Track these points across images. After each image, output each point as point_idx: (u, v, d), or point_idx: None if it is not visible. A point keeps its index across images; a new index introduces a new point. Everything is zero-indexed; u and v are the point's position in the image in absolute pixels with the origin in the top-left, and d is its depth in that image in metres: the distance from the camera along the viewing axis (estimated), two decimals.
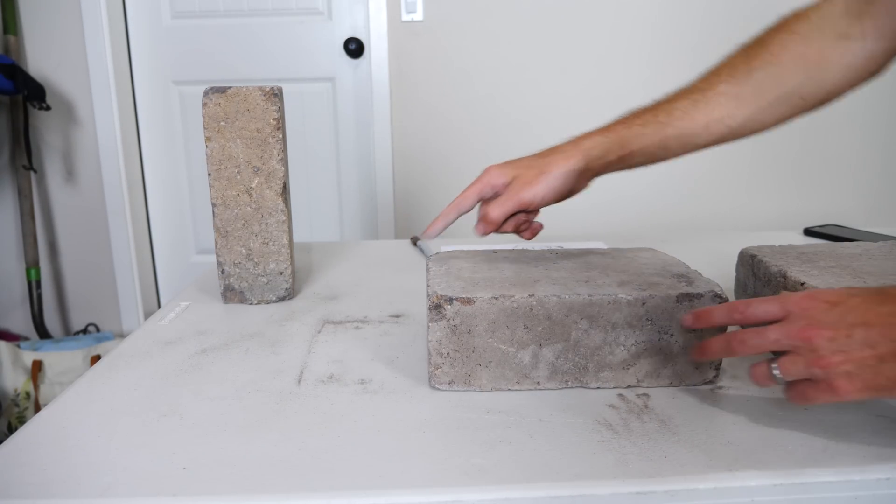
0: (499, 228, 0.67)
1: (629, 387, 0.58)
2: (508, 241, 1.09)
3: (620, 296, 0.56)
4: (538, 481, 0.45)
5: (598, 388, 0.58)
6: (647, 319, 0.57)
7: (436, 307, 0.57)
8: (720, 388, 0.58)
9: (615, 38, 2.02)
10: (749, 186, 2.11)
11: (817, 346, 0.43)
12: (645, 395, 0.57)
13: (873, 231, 1.11)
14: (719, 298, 0.57)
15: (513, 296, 0.56)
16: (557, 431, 0.51)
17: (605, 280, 0.60)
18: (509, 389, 0.58)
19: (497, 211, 0.64)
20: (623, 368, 0.58)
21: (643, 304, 0.56)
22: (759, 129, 0.65)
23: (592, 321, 0.57)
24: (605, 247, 0.93)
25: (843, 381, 0.43)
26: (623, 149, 0.65)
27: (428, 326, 0.58)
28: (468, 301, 0.56)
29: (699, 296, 0.57)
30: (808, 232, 1.14)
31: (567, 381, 0.58)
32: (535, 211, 0.68)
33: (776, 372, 0.46)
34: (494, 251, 0.71)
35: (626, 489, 0.44)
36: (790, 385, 0.47)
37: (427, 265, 0.67)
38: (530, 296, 0.56)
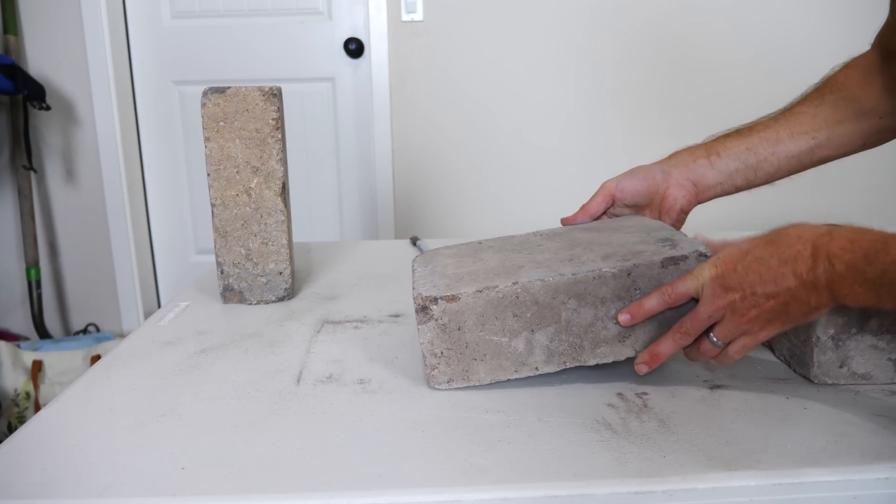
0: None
1: (628, 359, 0.58)
2: None
3: (605, 270, 0.56)
4: (537, 481, 0.45)
5: (598, 364, 0.58)
6: (636, 289, 0.56)
7: (422, 309, 0.57)
8: (718, 387, 0.58)
9: (615, 37, 2.02)
10: None
11: (736, 308, 0.52)
12: (644, 394, 0.57)
13: None
14: (704, 257, 0.56)
15: (496, 286, 0.56)
16: (556, 431, 0.51)
17: (589, 256, 0.59)
18: (508, 379, 0.58)
19: (590, 203, 0.73)
20: (619, 341, 0.57)
21: (628, 274, 0.56)
22: (848, 147, 0.72)
23: (581, 299, 0.56)
24: None
25: (763, 330, 0.52)
26: (709, 152, 0.72)
27: (418, 329, 0.57)
28: (453, 298, 0.56)
29: (684, 258, 0.56)
30: None
31: (565, 362, 0.58)
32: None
33: (715, 339, 0.54)
34: (480, 242, 0.71)
35: (624, 489, 0.44)
36: (691, 347, 0.56)
37: (413, 266, 0.67)
38: (514, 283, 0.56)
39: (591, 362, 0.58)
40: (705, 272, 0.54)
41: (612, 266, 0.56)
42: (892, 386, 0.57)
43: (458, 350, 0.57)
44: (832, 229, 0.49)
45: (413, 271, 0.65)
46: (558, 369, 0.58)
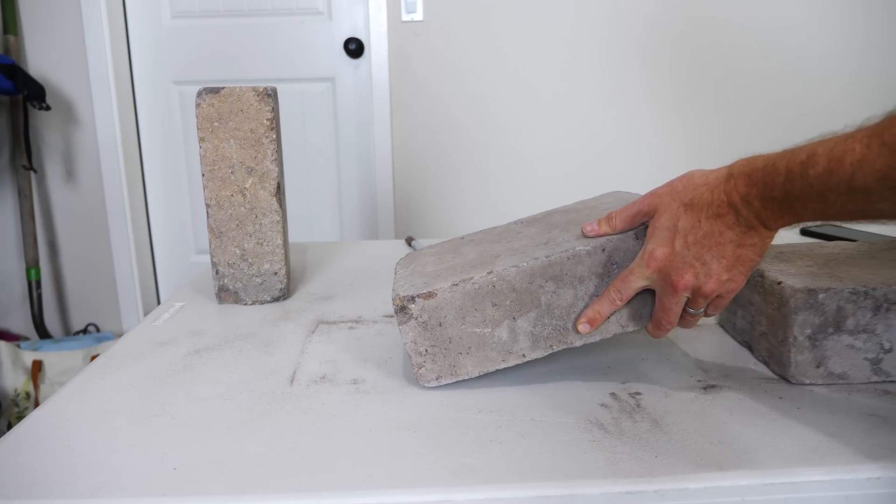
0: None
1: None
2: None
3: (578, 248, 0.55)
4: (529, 481, 0.45)
5: (585, 344, 0.57)
6: (612, 264, 0.56)
7: (401, 309, 0.57)
8: (712, 387, 0.58)
9: (614, 38, 2.01)
10: None
11: (693, 285, 0.52)
12: (637, 393, 0.57)
13: (869, 231, 1.11)
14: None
15: (472, 278, 0.56)
16: (549, 431, 0.51)
17: (565, 237, 0.59)
18: (497, 370, 0.58)
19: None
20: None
21: (603, 250, 0.56)
22: None
23: (558, 281, 0.56)
24: None
25: (730, 289, 0.53)
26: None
27: (399, 329, 0.57)
28: (430, 295, 0.56)
29: None
30: (805, 232, 1.14)
31: (551, 346, 0.57)
32: None
33: (693, 311, 0.55)
34: (462, 238, 0.70)
35: (616, 489, 0.44)
36: (681, 321, 0.57)
37: (395, 269, 0.67)
38: (489, 273, 0.56)
39: (578, 343, 0.57)
40: (649, 266, 0.53)
41: (585, 244, 0.56)
42: (884, 385, 0.57)
43: (442, 346, 0.57)
44: (729, 171, 0.50)
45: (395, 273, 0.65)
46: (546, 353, 0.58)
